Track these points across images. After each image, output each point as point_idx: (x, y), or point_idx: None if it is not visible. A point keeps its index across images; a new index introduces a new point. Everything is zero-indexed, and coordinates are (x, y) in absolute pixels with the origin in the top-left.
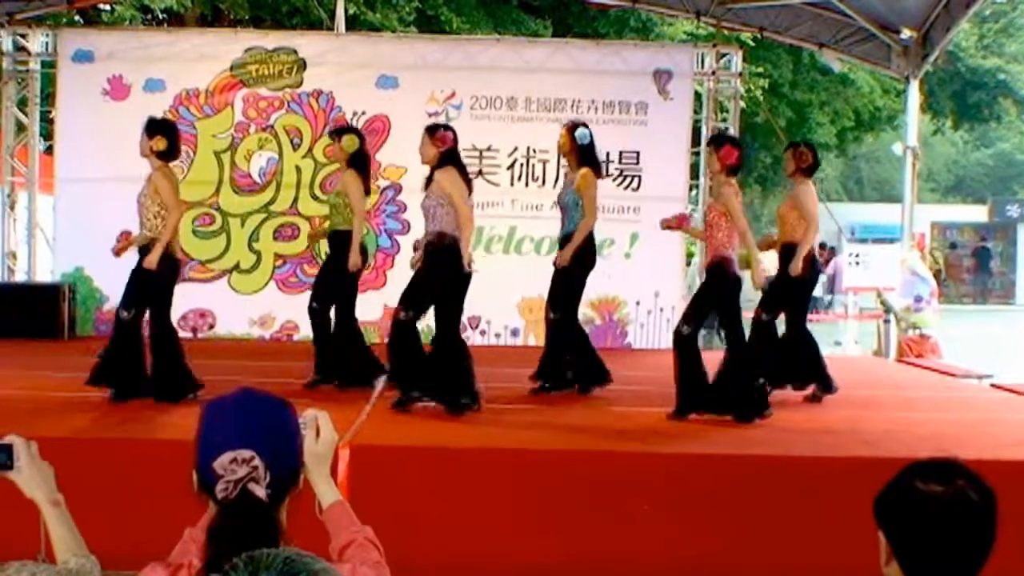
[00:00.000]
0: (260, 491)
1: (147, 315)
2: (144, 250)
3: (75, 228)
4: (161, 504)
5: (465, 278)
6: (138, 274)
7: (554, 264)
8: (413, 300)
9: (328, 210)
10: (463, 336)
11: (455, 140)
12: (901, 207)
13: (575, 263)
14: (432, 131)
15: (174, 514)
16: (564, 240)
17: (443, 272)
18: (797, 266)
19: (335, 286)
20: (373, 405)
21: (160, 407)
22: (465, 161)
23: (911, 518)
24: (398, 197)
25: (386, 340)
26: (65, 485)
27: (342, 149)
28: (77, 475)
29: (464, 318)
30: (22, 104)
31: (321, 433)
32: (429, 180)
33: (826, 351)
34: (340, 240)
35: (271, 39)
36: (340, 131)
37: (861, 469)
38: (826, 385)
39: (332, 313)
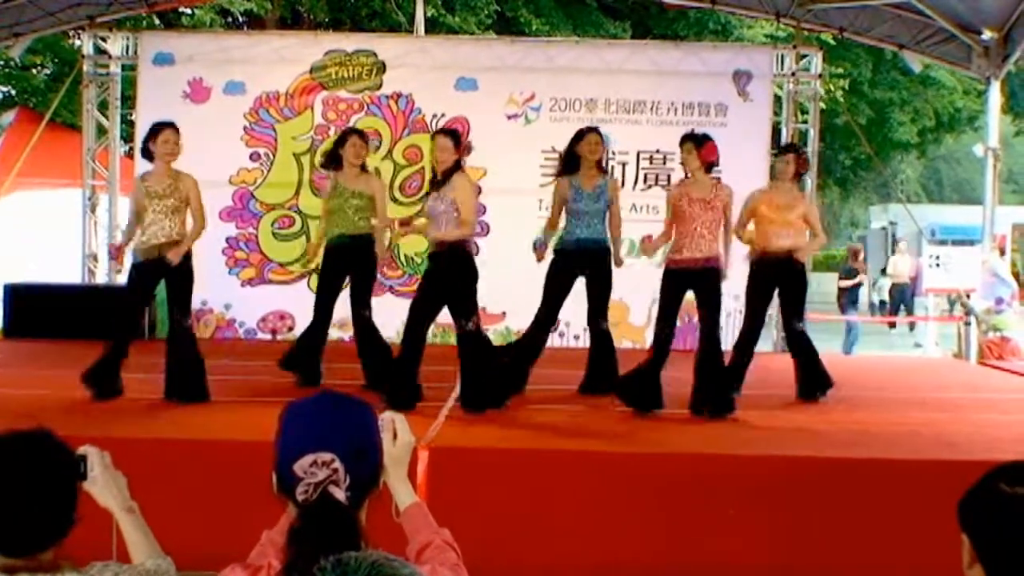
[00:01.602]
0: (340, 494)
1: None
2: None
3: None
4: (240, 506)
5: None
6: (185, 280)
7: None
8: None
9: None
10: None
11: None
12: (982, 208)
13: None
14: (457, 138)
15: (253, 516)
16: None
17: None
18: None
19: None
20: (450, 408)
21: (240, 408)
22: (544, 164)
23: (996, 521)
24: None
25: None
26: (141, 487)
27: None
28: (153, 477)
29: None
30: (103, 107)
31: (398, 435)
32: (442, 183)
33: (907, 353)
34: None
35: (351, 41)
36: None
37: (943, 472)
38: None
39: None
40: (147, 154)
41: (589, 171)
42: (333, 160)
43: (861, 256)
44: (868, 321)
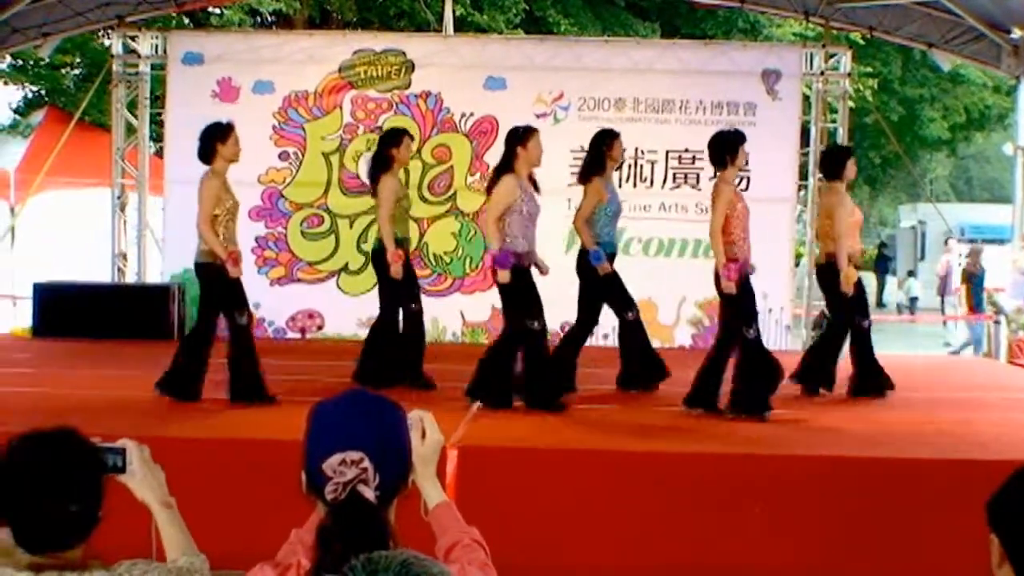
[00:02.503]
0: (369, 493)
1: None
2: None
3: (184, 229)
4: (269, 504)
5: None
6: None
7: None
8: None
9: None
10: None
11: None
12: (1011, 207)
13: None
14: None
15: (282, 515)
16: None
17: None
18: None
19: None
20: (479, 406)
21: (271, 408)
22: (573, 163)
23: None
24: None
25: (492, 342)
26: (173, 485)
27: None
28: (184, 476)
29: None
30: (132, 106)
31: (427, 434)
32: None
33: (936, 352)
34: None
35: (379, 41)
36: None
37: (973, 471)
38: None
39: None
40: (212, 154)
41: (610, 174)
42: (387, 161)
43: (980, 257)
44: (895, 320)
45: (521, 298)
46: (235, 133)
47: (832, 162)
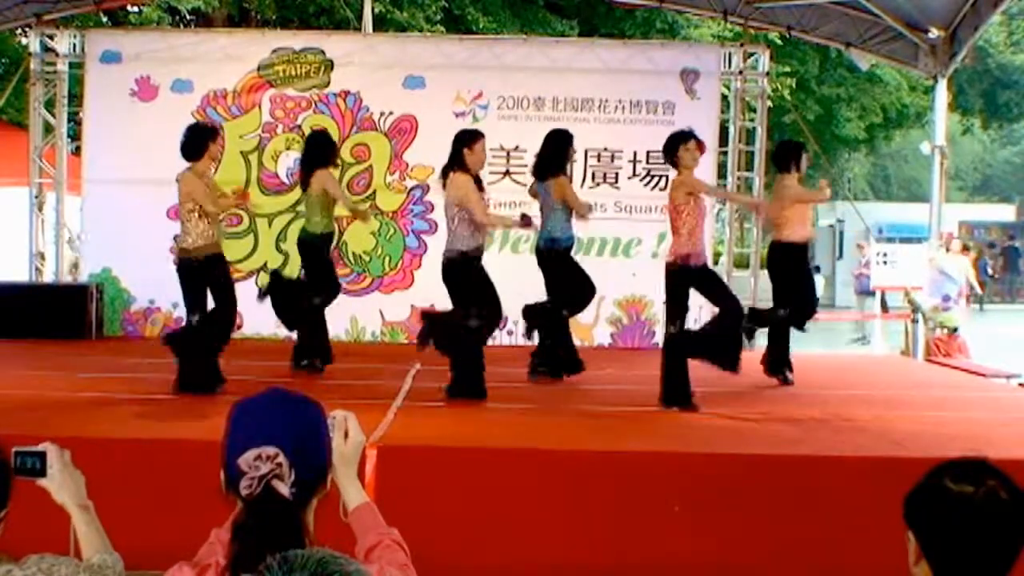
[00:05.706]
0: (284, 489)
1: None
2: None
3: (102, 229)
4: (190, 504)
5: None
6: None
7: None
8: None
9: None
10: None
11: None
12: (929, 206)
13: None
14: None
15: (203, 515)
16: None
17: None
18: None
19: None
20: (400, 405)
21: (189, 407)
22: (492, 161)
23: (942, 518)
24: (426, 197)
25: (413, 339)
26: (94, 485)
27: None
28: (106, 476)
29: None
30: (49, 105)
31: (348, 434)
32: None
33: (853, 349)
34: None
35: (298, 39)
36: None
37: (889, 468)
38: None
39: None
40: (202, 151)
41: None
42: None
43: None
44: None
45: (473, 292)
46: (223, 134)
47: (783, 155)
